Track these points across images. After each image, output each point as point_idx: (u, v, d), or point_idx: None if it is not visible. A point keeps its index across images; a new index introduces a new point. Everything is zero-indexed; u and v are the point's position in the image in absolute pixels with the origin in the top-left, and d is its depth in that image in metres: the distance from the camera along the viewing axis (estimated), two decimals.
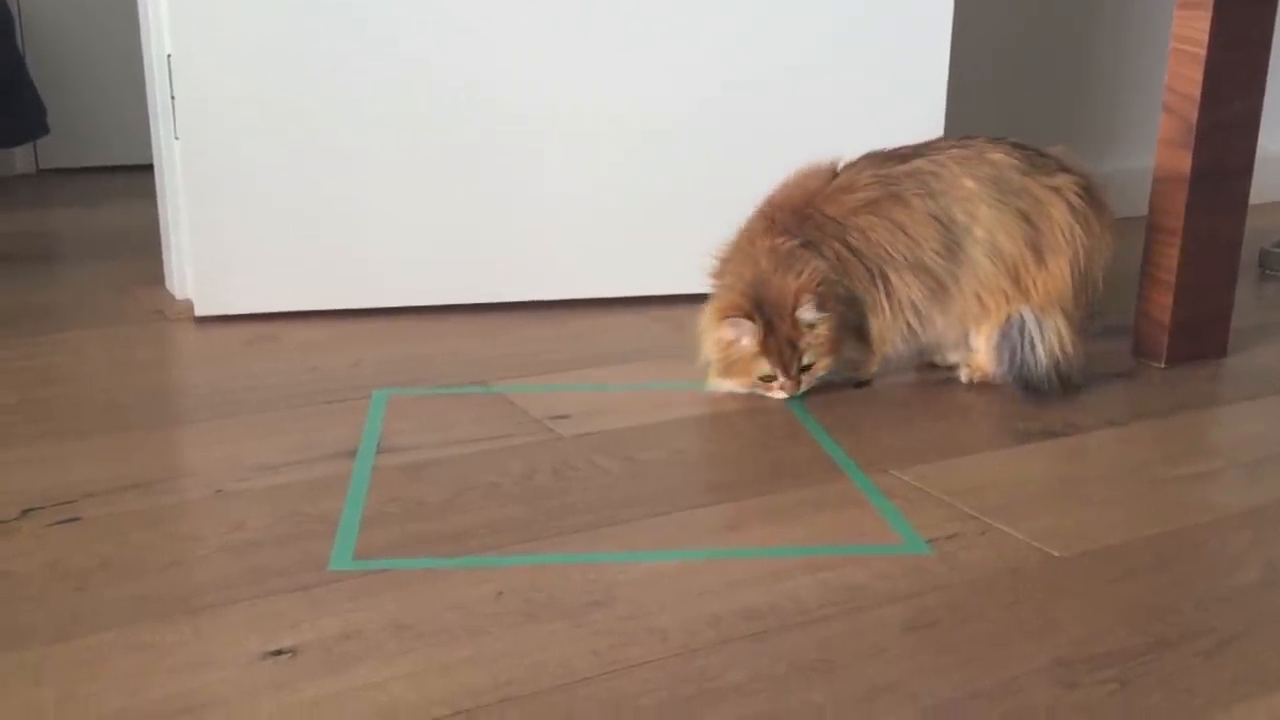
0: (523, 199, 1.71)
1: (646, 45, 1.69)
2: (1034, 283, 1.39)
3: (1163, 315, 1.54)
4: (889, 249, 1.38)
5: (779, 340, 1.35)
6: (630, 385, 1.46)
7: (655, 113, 1.72)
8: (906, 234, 1.38)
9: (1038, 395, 1.40)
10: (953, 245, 1.39)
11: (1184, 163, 1.48)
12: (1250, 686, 0.86)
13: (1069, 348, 1.40)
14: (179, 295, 1.73)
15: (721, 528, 1.09)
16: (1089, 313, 1.43)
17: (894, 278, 1.39)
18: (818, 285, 1.34)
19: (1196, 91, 1.46)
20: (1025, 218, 1.39)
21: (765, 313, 1.34)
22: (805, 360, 1.36)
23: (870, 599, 0.97)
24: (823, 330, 1.35)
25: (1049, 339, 1.40)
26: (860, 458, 1.25)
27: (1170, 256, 1.52)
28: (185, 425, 1.32)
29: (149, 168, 1.77)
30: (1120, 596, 0.98)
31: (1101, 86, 2.36)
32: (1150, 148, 1.55)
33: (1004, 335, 1.41)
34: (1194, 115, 1.46)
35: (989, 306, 1.41)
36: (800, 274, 1.34)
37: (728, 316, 1.35)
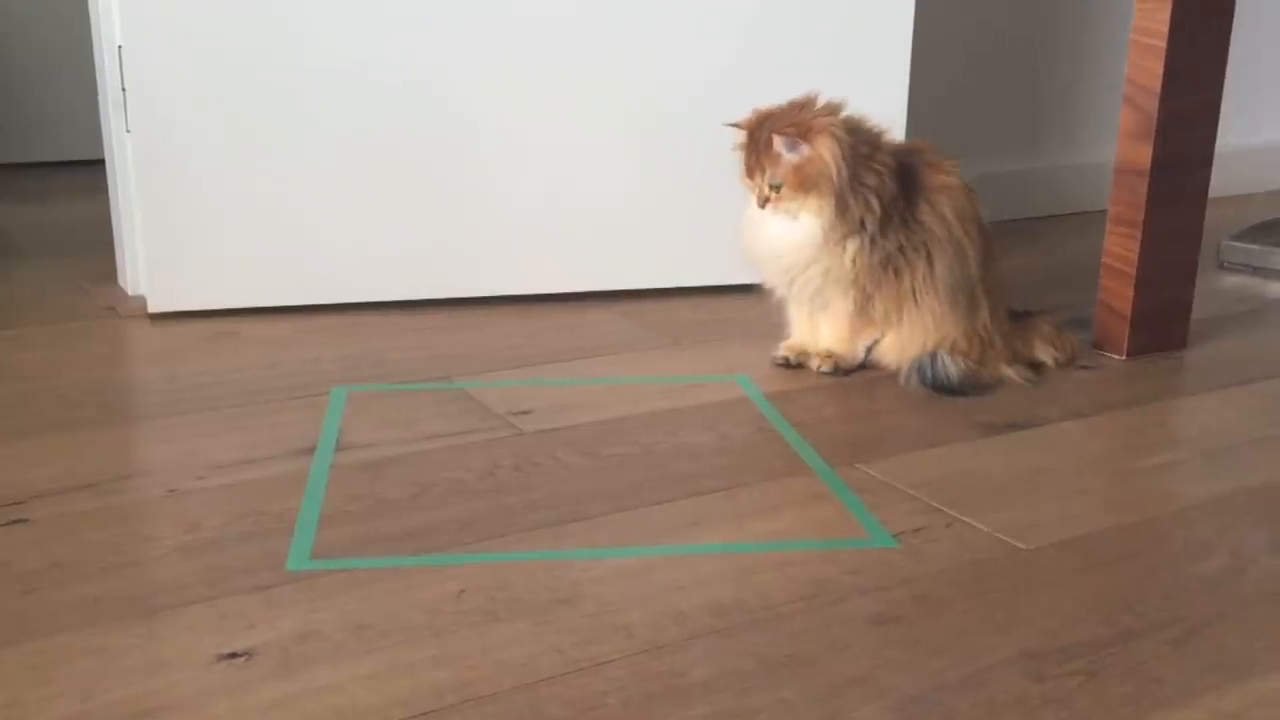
0: (485, 193, 1.69)
1: (612, 39, 1.67)
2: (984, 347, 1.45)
3: (1123, 307, 1.54)
4: (937, 235, 1.41)
5: (757, 150, 1.40)
6: (594, 380, 1.44)
7: (621, 108, 1.70)
8: (958, 234, 1.42)
9: (947, 395, 1.41)
10: (973, 277, 1.43)
11: (1144, 155, 1.49)
12: (1218, 675, 0.86)
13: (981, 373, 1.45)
14: (132, 291, 1.70)
15: (687, 523, 1.08)
16: None
17: (936, 261, 1.41)
18: (816, 132, 1.36)
19: (1157, 84, 1.46)
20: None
21: (762, 125, 1.40)
22: (768, 179, 1.39)
23: (837, 593, 0.96)
24: (787, 168, 1.37)
25: (961, 366, 1.43)
26: (826, 452, 1.24)
27: (1130, 249, 1.52)
28: (139, 423, 1.29)
29: (101, 163, 1.73)
30: (1087, 587, 0.98)
31: (1062, 80, 2.37)
32: (1110, 140, 1.55)
33: (917, 357, 1.43)
34: (1154, 107, 1.47)
35: (942, 333, 1.43)
36: (817, 116, 1.38)
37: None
